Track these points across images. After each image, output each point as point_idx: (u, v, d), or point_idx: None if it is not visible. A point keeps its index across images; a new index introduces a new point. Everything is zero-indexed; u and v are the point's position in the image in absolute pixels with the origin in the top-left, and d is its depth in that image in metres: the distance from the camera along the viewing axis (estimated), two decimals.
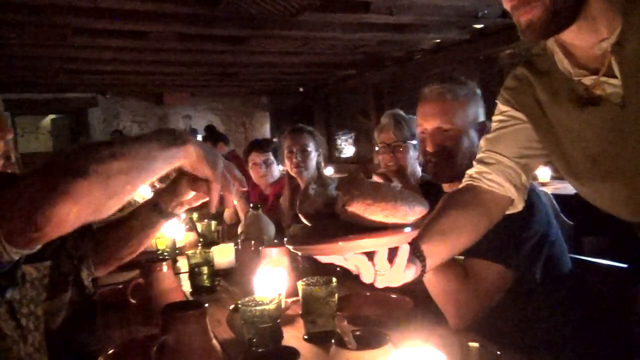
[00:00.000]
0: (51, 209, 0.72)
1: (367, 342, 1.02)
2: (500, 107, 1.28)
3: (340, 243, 0.91)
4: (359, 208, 0.91)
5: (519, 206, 1.28)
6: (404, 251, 0.98)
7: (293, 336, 1.35)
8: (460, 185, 1.33)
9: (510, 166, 1.24)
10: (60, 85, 9.18)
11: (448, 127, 1.65)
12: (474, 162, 1.31)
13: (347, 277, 1.45)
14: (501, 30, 5.94)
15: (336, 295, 1.33)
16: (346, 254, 0.96)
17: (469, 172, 1.32)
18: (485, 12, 5.25)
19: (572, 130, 1.13)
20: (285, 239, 1.14)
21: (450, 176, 1.68)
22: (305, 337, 1.33)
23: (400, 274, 1.00)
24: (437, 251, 1.13)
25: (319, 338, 1.29)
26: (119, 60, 6.98)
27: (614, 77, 1.02)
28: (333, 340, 1.04)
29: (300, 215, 1.16)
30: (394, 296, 1.51)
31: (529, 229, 1.47)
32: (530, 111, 1.21)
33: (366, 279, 0.98)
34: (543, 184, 4.30)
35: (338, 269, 1.08)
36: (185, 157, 0.98)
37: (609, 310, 1.54)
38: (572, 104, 1.09)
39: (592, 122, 1.08)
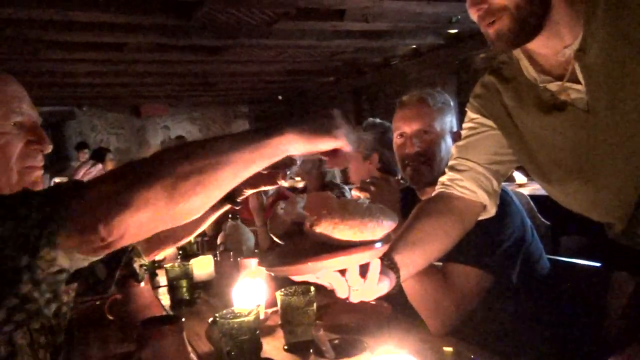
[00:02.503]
0: (113, 220, 0.70)
1: (345, 350, 1.02)
2: (470, 114, 1.30)
3: (309, 264, 0.91)
4: (326, 228, 0.91)
5: (491, 211, 1.30)
6: (375, 266, 0.99)
7: (274, 347, 1.35)
8: (433, 193, 1.34)
9: (482, 172, 1.26)
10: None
11: (428, 129, 1.69)
12: (446, 170, 1.33)
13: None
14: (475, 34, 6.02)
15: (314, 304, 1.33)
16: (317, 273, 0.96)
17: (441, 179, 1.33)
18: (459, 17, 5.31)
19: (540, 135, 1.15)
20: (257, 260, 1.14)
21: (428, 181, 1.70)
22: (286, 347, 1.33)
23: (373, 287, 1.01)
24: (410, 261, 1.14)
25: (299, 348, 1.29)
26: (95, 73, 6.90)
27: (578, 82, 1.04)
28: (311, 350, 1.04)
29: (271, 235, 1.16)
30: (372, 302, 1.52)
31: (504, 231, 1.49)
32: (498, 118, 1.23)
33: (340, 294, 0.99)
34: (520, 185, 4.35)
35: None
36: (288, 145, 0.84)
37: (586, 309, 1.56)
38: (539, 110, 1.11)
39: (558, 127, 1.10)
